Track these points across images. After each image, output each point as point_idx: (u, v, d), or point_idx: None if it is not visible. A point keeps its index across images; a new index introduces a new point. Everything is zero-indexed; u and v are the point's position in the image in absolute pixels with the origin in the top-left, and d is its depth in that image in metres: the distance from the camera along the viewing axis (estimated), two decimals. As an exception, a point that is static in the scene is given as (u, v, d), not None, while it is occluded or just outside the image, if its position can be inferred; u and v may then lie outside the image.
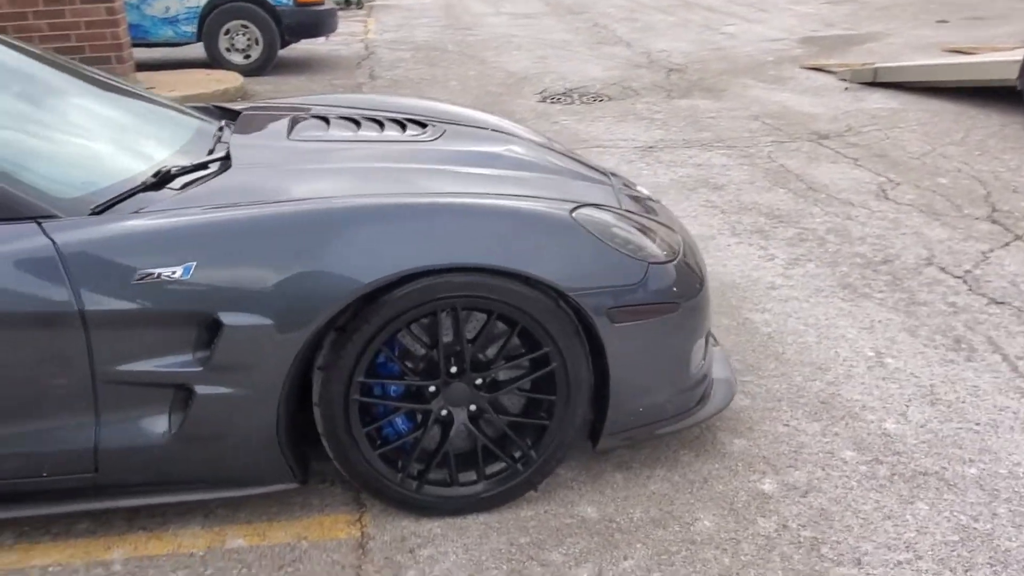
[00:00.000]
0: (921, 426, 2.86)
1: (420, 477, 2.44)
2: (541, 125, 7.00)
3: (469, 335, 2.38)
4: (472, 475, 2.48)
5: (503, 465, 2.48)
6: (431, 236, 2.29)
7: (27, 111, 2.62)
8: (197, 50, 9.83)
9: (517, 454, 2.48)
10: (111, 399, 2.23)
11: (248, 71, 9.62)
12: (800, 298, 3.81)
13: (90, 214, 2.25)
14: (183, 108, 3.27)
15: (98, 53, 8.22)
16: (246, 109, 3.38)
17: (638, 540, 2.38)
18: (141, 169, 2.52)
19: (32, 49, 3.15)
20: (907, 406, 2.97)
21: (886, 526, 2.41)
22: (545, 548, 2.35)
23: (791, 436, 2.83)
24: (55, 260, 2.15)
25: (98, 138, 2.69)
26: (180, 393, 2.26)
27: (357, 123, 3.12)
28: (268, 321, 2.20)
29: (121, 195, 2.35)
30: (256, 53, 9.71)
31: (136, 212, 2.29)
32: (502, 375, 2.46)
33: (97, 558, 2.36)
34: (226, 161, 2.65)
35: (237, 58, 9.70)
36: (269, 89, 8.90)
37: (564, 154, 3.26)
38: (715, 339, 3.08)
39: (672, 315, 2.49)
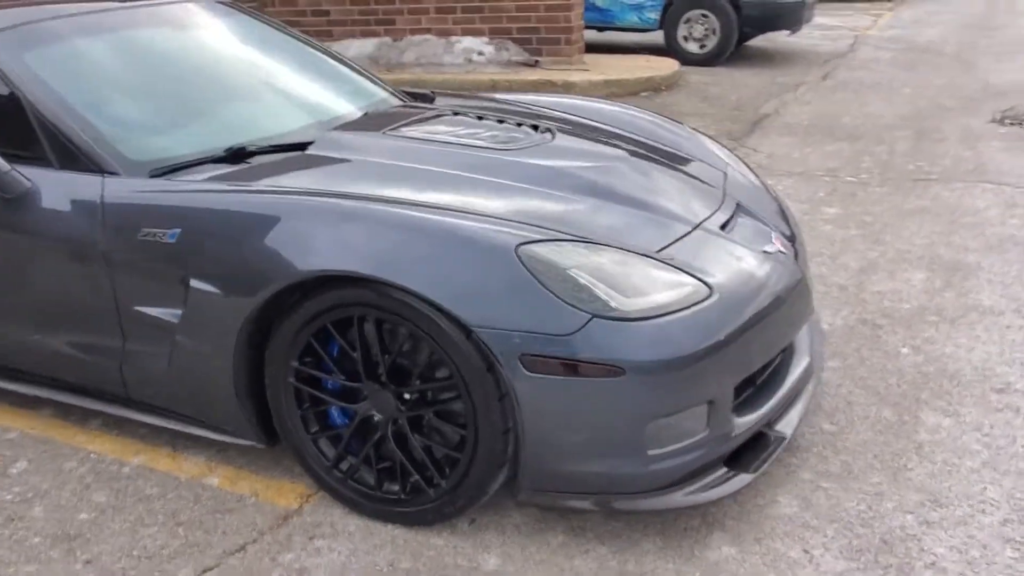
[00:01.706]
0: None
1: (348, 472, 2.51)
2: (958, 150, 6.09)
3: (397, 348, 2.37)
4: (396, 487, 2.47)
5: (420, 487, 2.43)
6: (360, 243, 2.31)
7: (164, 77, 3.13)
8: (658, 37, 10.13)
9: (434, 480, 2.42)
10: (131, 331, 2.66)
11: (700, 61, 9.70)
12: None
13: (149, 176, 2.69)
14: (380, 87, 3.62)
15: (550, 34, 8.95)
16: (416, 101, 3.61)
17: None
18: (250, 138, 2.88)
19: (249, 17, 3.69)
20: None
21: None
22: (411, 579, 2.29)
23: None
24: (97, 209, 2.62)
25: (218, 110, 3.12)
26: (171, 338, 2.61)
27: (479, 124, 3.16)
28: (218, 291, 2.45)
29: (182, 164, 2.74)
30: (711, 43, 9.73)
31: (172, 178, 2.66)
32: (429, 397, 2.40)
33: (120, 457, 2.84)
34: (305, 147, 2.90)
35: (692, 47, 9.81)
36: (702, 80, 8.91)
37: (683, 184, 2.95)
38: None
39: (614, 380, 2.20)
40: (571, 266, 2.28)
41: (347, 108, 3.35)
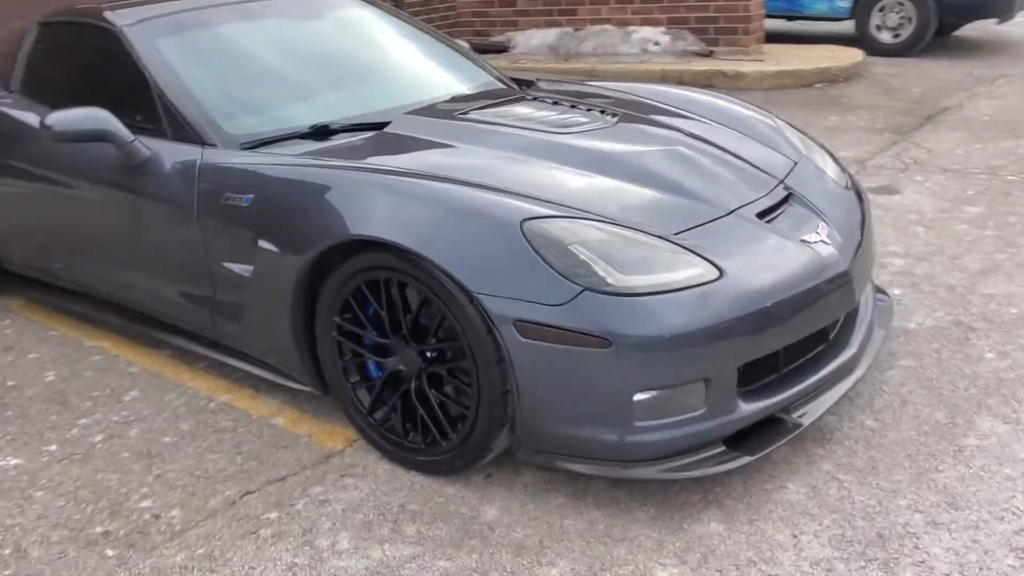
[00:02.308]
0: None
1: (380, 421, 2.77)
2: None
3: (416, 309, 2.60)
4: (419, 438, 2.71)
5: (436, 439, 2.65)
6: (383, 212, 2.56)
7: (274, 62, 3.49)
8: (851, 27, 9.73)
9: (448, 434, 2.63)
10: (219, 283, 3.04)
11: (893, 51, 9.27)
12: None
13: (240, 148, 3.06)
14: (486, 73, 3.87)
15: (728, 24, 8.88)
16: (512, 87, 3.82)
17: (491, 550, 2.38)
18: (341, 118, 3.21)
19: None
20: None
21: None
22: (412, 521, 2.51)
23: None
24: (194, 175, 3.02)
25: (318, 92, 3.44)
26: (246, 291, 2.97)
27: (551, 108, 3.33)
28: (278, 250, 2.77)
29: (270, 139, 3.09)
30: (905, 33, 9.26)
31: (258, 151, 3.01)
32: (443, 356, 2.61)
33: (211, 394, 3.26)
34: (382, 127, 3.18)
35: (886, 36, 9.38)
36: (887, 72, 8.51)
37: (733, 171, 2.98)
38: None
39: (601, 351, 2.32)
40: (574, 242, 2.42)
41: (441, 92, 3.59)
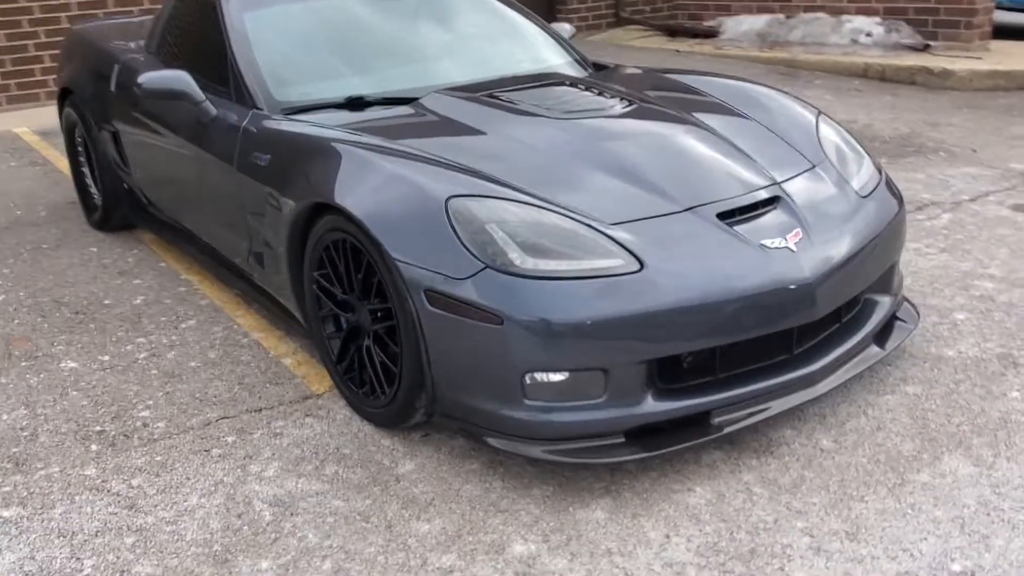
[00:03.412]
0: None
1: (344, 370, 3.02)
2: None
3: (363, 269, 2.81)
4: (367, 390, 2.92)
5: (377, 392, 2.86)
6: (339, 178, 2.81)
7: (344, 37, 3.78)
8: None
9: (385, 388, 2.82)
10: (251, 232, 3.41)
11: None
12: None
13: (281, 113, 3.41)
14: (566, 55, 4.01)
15: (949, 16, 8.31)
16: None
17: (385, 499, 2.58)
18: (388, 91, 3.47)
19: None
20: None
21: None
22: (337, 463, 2.74)
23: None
24: (237, 134, 3.40)
25: (375, 66, 3.70)
26: (263, 240, 3.31)
27: (575, 94, 3.40)
28: (278, 207, 3.09)
29: (308, 106, 3.41)
30: None
31: (292, 117, 3.33)
32: (383, 315, 2.80)
33: (248, 331, 3.65)
34: (410, 102, 3.40)
35: None
36: None
37: (719, 168, 2.94)
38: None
39: (494, 327, 2.44)
40: (492, 221, 2.53)
41: (497, 72, 3.73)
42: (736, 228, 2.69)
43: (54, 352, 3.55)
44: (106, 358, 3.49)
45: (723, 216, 2.72)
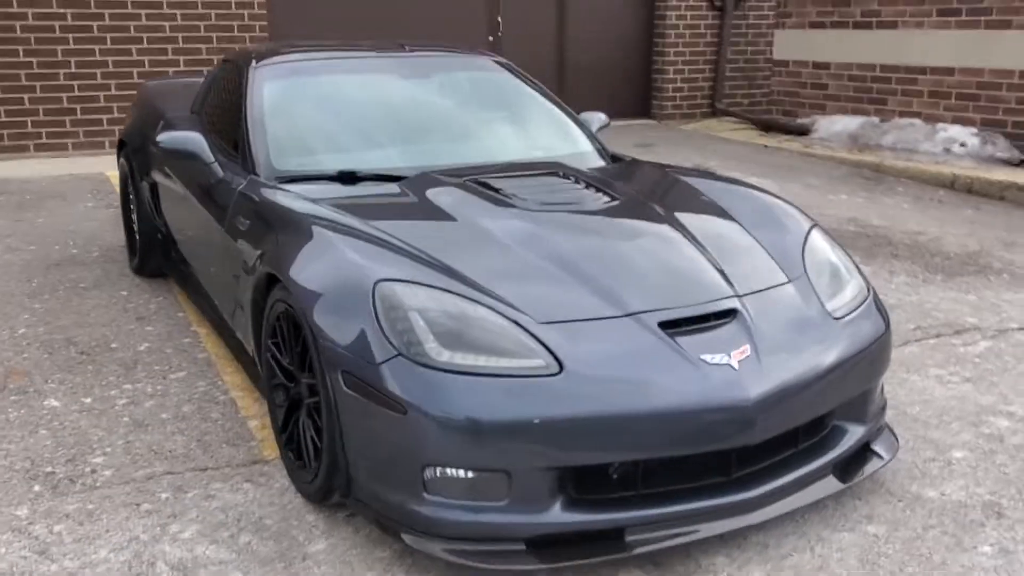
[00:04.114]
0: None
1: (288, 440, 3.02)
2: None
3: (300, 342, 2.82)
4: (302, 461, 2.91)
5: (306, 466, 2.85)
6: (286, 251, 2.88)
7: (354, 113, 3.87)
8: None
9: (312, 463, 2.80)
10: (237, 287, 3.46)
11: None
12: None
13: (274, 179, 3.50)
14: (588, 144, 4.02)
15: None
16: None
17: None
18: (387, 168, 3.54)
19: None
20: None
21: None
22: (254, 533, 2.71)
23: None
24: (231, 199, 3.51)
25: (377, 143, 3.77)
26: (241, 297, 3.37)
27: (562, 187, 3.37)
28: (247, 273, 3.16)
29: (300, 177, 3.49)
30: None
31: (282, 186, 3.42)
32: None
33: (228, 389, 3.71)
34: (398, 179, 3.44)
35: None
36: None
37: (679, 277, 2.85)
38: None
39: (398, 416, 2.40)
40: (414, 308, 2.51)
41: (499, 157, 3.75)
42: (678, 339, 2.59)
43: (44, 389, 3.68)
44: (88, 400, 3.59)
45: (667, 325, 2.62)
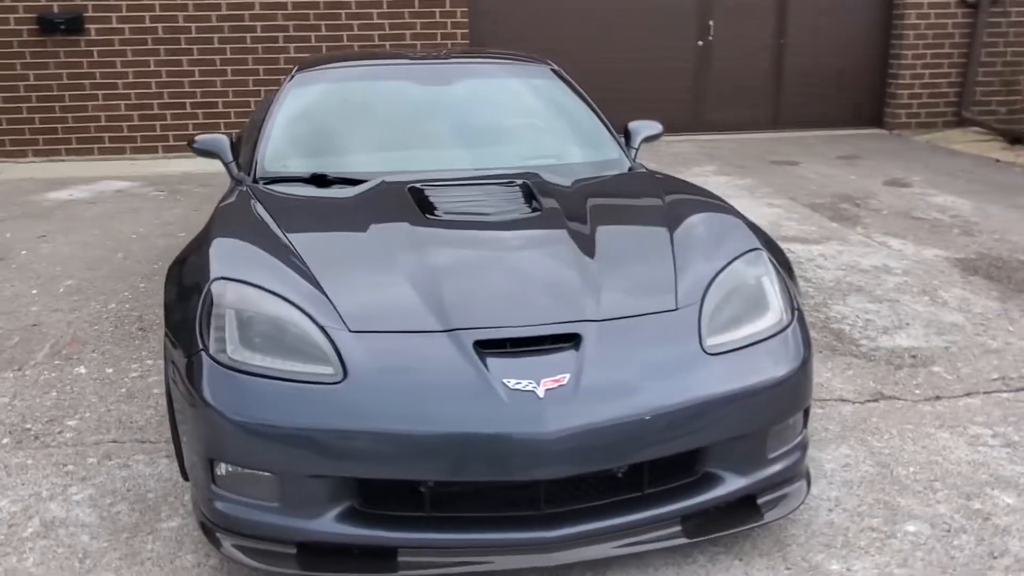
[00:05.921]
0: None
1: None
2: None
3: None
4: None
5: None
6: (203, 243, 3.04)
7: (362, 117, 3.97)
8: None
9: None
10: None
11: None
12: None
13: (256, 181, 3.72)
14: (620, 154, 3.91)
15: None
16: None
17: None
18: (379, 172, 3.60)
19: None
20: None
21: None
22: (132, 504, 2.96)
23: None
24: (235, 192, 3.77)
25: (372, 148, 3.85)
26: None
27: (511, 196, 3.32)
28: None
29: (278, 178, 3.68)
30: None
31: (263, 186, 3.62)
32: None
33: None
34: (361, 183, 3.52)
35: None
36: None
37: (541, 297, 2.71)
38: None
39: (193, 408, 2.49)
40: (233, 307, 2.60)
41: (492, 164, 3.71)
42: (488, 360, 2.45)
43: (86, 358, 4.17)
44: (110, 371, 4.03)
45: (486, 345, 2.50)
